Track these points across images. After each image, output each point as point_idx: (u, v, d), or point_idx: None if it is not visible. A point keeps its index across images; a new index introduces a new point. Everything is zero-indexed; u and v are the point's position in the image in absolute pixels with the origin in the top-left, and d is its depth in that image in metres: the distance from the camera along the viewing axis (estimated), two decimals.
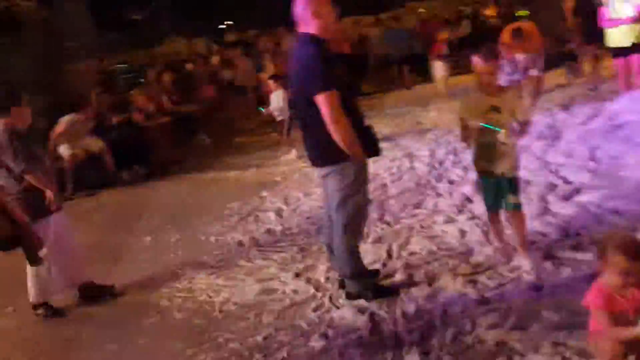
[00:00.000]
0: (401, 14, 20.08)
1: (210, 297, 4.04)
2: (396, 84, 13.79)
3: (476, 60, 3.45)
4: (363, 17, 20.60)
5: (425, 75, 13.92)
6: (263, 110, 8.69)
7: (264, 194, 6.45)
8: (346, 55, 12.71)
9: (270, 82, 8.58)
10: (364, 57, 14.32)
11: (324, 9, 3.34)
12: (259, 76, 11.98)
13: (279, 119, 8.40)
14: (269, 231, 5.22)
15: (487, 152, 3.51)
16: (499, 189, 3.58)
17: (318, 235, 4.68)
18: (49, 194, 4.02)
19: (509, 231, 3.78)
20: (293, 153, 7.96)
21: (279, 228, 5.26)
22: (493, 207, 3.71)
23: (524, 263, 3.52)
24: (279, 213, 5.69)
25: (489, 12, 16.56)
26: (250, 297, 3.93)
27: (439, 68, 11.14)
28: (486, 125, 3.41)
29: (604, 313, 2.27)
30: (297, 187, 6.48)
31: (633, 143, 5.31)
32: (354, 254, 3.55)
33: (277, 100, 8.30)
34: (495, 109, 3.41)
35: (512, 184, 3.54)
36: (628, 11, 6.48)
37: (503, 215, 3.75)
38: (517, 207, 3.58)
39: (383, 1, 24.28)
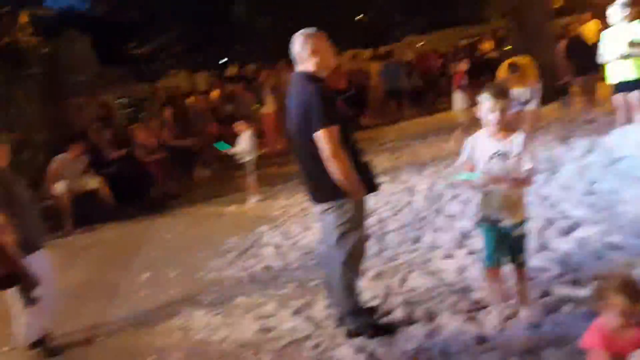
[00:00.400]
0: (399, 48, 20.36)
1: (207, 335, 4.00)
2: (395, 118, 13.90)
3: (484, 98, 3.18)
4: (361, 51, 20.88)
5: (424, 108, 14.14)
6: (222, 148, 7.96)
7: (263, 228, 6.44)
8: (344, 90, 12.87)
9: (239, 124, 8.13)
10: (362, 91, 14.48)
11: (322, 46, 3.40)
12: (259, 111, 12.07)
13: (241, 161, 8.01)
14: (267, 267, 5.20)
15: (492, 201, 3.24)
16: (502, 241, 3.29)
17: (317, 271, 4.66)
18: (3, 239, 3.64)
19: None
20: (252, 199, 7.92)
21: (277, 264, 5.24)
22: (493, 260, 3.37)
23: (522, 314, 3.35)
24: (277, 248, 5.67)
25: (486, 46, 16.80)
26: (248, 335, 3.88)
27: (459, 99, 11.19)
28: (461, 177, 3.24)
29: (603, 353, 2.25)
30: (297, 222, 6.47)
31: (631, 177, 5.32)
32: (352, 291, 3.52)
33: (244, 141, 7.95)
34: (503, 155, 3.16)
35: (521, 241, 3.29)
36: (620, 49, 6.58)
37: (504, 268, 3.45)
38: (523, 265, 3.35)
39: (380, 35, 24.67)
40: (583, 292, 3.45)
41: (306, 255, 5.28)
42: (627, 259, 3.76)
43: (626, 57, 6.56)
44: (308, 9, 22.84)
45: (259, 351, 3.62)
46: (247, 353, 3.63)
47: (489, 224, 3.31)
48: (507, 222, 3.23)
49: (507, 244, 3.29)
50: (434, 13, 26.55)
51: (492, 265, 3.39)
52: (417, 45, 20.90)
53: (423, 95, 14.73)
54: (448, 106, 11.55)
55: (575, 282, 3.64)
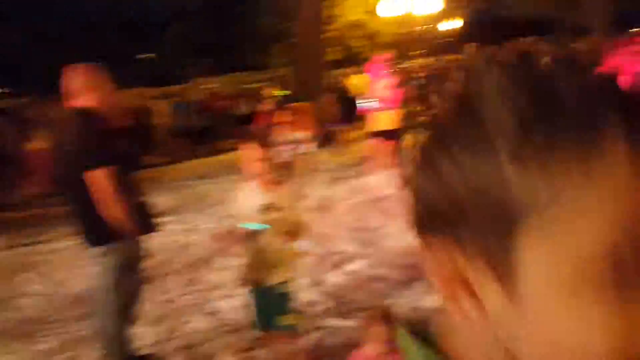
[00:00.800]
0: (187, 88, 20.29)
1: None
2: (182, 156, 13.71)
3: (247, 146, 2.99)
4: (147, 89, 20.35)
5: (212, 147, 14.18)
6: None
7: (24, 276, 5.76)
8: (126, 128, 12.37)
9: None
10: (146, 129, 14.08)
11: (100, 81, 3.23)
12: (26, 147, 10.94)
13: None
14: (27, 319, 4.63)
15: (257, 260, 2.98)
16: (269, 303, 3.02)
17: (87, 321, 4.30)
18: None
19: None
20: None
21: (40, 314, 4.69)
22: (264, 326, 3.12)
23: None
24: (41, 297, 5.10)
25: (268, 92, 17.58)
26: None
27: None
28: (254, 226, 2.92)
29: None
30: (65, 268, 5.91)
31: (392, 214, 5.99)
32: (123, 339, 3.31)
33: None
34: (274, 207, 2.93)
35: (285, 300, 3.02)
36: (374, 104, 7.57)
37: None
38: (292, 328, 3.08)
39: (168, 75, 24.41)
40: (351, 322, 3.71)
41: (74, 304, 4.83)
42: (390, 290, 4.18)
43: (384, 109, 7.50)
44: (88, 44, 21.68)
45: None
46: None
47: (254, 285, 3.08)
48: (272, 282, 3.00)
49: (273, 306, 3.03)
50: (223, 58, 27.19)
51: (263, 329, 3.16)
52: (206, 87, 21.06)
53: (211, 135, 14.82)
54: (235, 146, 11.70)
55: (344, 314, 3.91)
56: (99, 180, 3.00)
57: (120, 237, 3.13)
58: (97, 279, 3.31)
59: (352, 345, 3.24)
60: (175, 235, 6.54)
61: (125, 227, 3.11)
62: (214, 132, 14.99)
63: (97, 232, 3.15)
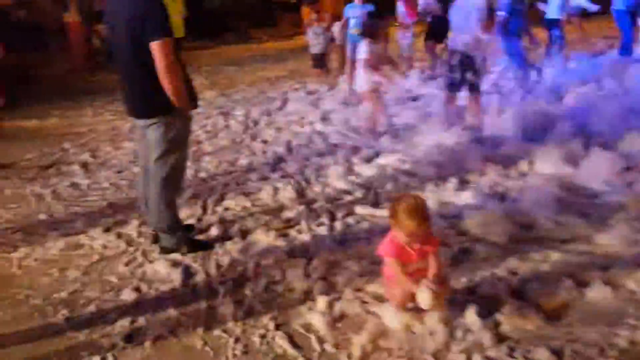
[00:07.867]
0: None
1: (7, 252, 3.71)
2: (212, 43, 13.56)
3: None
4: None
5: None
6: None
7: (67, 145, 6.00)
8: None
9: None
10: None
11: None
12: (64, 17, 10.87)
13: None
14: (73, 184, 4.91)
15: None
16: None
17: (129, 190, 4.57)
18: None
19: None
20: None
21: (85, 182, 4.96)
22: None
23: None
24: (85, 166, 5.37)
25: None
26: (53, 252, 3.68)
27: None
28: None
29: (394, 261, 2.61)
30: (106, 140, 6.14)
31: (423, 112, 6.02)
32: (171, 208, 3.49)
33: None
34: None
35: None
36: None
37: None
38: None
39: None
40: (381, 212, 3.87)
41: (117, 175, 5.09)
42: (418, 184, 4.31)
43: None
44: None
45: (67, 268, 3.45)
46: (53, 270, 3.44)
47: None
48: None
49: None
50: None
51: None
52: None
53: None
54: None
55: (375, 203, 4.07)
56: (165, 50, 3.03)
57: (173, 110, 3.21)
58: (147, 148, 3.43)
59: (385, 231, 3.42)
60: (209, 118, 6.70)
61: (183, 99, 3.19)
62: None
63: (153, 103, 3.21)
